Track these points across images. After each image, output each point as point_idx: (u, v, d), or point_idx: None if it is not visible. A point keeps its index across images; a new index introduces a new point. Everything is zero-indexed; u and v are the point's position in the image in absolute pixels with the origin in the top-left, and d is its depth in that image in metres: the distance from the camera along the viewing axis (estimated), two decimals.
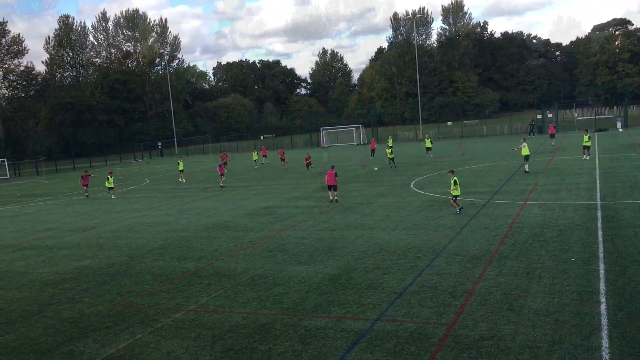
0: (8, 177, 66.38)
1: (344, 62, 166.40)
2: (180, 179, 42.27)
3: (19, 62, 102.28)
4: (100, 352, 10.53)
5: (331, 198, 26.08)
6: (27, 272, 17.31)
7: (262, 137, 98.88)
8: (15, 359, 10.55)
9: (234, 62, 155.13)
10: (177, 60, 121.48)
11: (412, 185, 29.75)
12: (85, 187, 37.33)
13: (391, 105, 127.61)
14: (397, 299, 12.05)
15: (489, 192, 25.34)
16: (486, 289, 12.18)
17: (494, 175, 31.28)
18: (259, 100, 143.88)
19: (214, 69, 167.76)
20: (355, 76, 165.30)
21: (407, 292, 12.48)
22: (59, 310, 13.23)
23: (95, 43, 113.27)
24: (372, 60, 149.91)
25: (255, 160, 51.35)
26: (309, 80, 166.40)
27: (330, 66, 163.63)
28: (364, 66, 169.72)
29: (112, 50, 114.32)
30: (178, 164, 42.64)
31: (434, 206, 22.90)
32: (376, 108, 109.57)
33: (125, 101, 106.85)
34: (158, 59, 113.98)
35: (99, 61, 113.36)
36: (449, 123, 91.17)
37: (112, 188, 35.02)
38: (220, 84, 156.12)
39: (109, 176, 35.32)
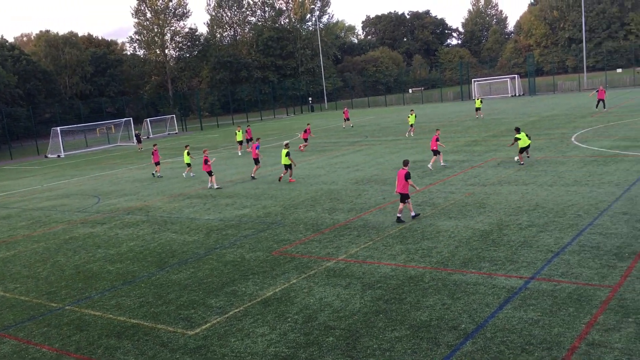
0: (177, 131, 72.62)
1: (499, 9, 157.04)
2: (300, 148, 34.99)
3: (183, 24, 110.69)
4: (259, 294, 11.35)
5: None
6: (195, 218, 19.00)
7: (410, 91, 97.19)
8: (187, 295, 11.74)
9: (382, 15, 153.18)
10: (327, 16, 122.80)
11: (573, 139, 27.67)
12: (157, 165, 30.78)
13: (551, 53, 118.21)
14: (554, 258, 11.45)
15: None
16: None
17: None
18: (408, 53, 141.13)
19: (362, 22, 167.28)
20: (511, 23, 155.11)
21: (565, 251, 11.80)
22: (223, 254, 14.42)
23: (251, 2, 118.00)
24: (531, 5, 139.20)
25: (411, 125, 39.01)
26: (460, 30, 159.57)
27: (483, 13, 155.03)
28: (521, 12, 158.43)
29: (266, 8, 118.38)
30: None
31: (599, 161, 21.15)
32: (534, 57, 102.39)
33: (278, 58, 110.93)
34: (309, 15, 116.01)
35: (254, 20, 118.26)
36: (619, 70, 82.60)
37: (189, 165, 29.34)
38: (369, 37, 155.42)
39: (186, 150, 29.23)
